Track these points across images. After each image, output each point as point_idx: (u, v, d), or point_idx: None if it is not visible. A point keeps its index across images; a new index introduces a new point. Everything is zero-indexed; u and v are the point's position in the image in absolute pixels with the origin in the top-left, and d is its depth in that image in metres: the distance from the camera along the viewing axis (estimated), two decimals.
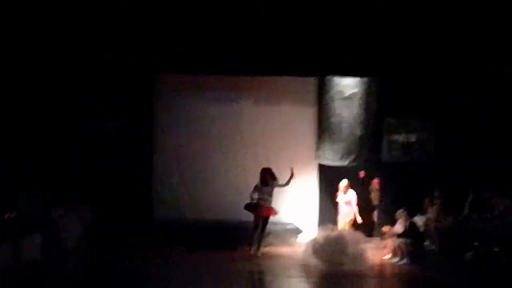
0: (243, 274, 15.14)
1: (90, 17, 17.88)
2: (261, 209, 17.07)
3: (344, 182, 18.99)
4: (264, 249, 17.87)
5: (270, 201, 17.21)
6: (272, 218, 18.75)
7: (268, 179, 17.20)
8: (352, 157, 20.29)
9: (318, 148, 20.44)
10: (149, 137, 20.31)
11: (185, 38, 18.44)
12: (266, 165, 18.60)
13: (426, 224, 17.58)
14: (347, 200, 18.91)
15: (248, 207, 17.26)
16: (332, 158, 20.36)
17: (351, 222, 18.70)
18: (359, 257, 15.75)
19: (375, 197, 19.38)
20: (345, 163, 20.28)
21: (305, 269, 15.80)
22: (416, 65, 19.08)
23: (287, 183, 17.39)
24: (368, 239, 17.86)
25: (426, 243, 17.42)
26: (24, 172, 17.61)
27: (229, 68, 19.42)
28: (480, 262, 14.72)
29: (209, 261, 16.23)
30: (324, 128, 20.43)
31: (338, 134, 20.32)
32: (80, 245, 17.83)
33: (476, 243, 15.48)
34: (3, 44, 17.55)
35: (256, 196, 17.18)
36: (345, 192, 18.97)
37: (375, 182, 19.48)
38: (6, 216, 13.77)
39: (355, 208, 18.86)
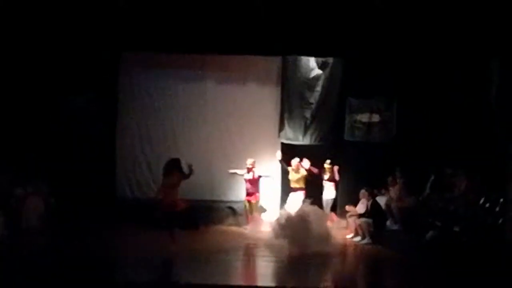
0: (205, 253, 15.14)
1: None
2: (163, 203, 15.30)
3: (249, 161, 18.60)
4: (227, 228, 17.95)
5: (173, 194, 15.26)
6: (236, 197, 18.82)
7: (172, 170, 15.36)
8: (314, 136, 20.42)
9: (280, 127, 20.50)
10: (113, 115, 20.23)
11: (150, 16, 18.34)
12: (230, 145, 18.87)
13: (388, 204, 17.72)
14: (250, 179, 18.49)
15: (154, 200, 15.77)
16: (294, 137, 20.50)
17: (254, 204, 18.40)
18: (323, 235, 15.81)
19: (294, 178, 19.00)
20: (307, 142, 20.41)
21: (269, 248, 15.87)
22: (379, 45, 19.12)
23: (187, 176, 15.37)
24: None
25: (388, 222, 17.58)
26: None
27: (194, 46, 19.36)
28: (441, 242, 14.83)
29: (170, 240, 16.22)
30: (287, 107, 20.50)
31: (301, 113, 20.43)
32: (42, 224, 17.81)
33: (437, 223, 15.61)
34: None
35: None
36: (248, 172, 18.57)
37: (294, 164, 19.07)
38: None
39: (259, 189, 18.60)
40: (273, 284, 13.13)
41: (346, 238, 17.45)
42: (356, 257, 16.14)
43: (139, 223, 17.75)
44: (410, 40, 18.74)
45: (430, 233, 15.23)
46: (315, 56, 20.28)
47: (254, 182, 18.48)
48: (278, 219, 16.80)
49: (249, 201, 18.41)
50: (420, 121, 19.21)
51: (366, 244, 16.86)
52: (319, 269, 14.15)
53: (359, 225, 17.19)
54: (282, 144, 20.46)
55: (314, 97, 20.36)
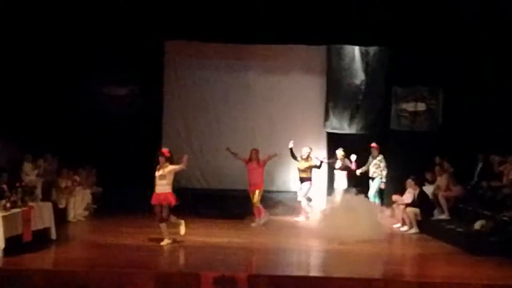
0: (254, 243, 15.19)
1: None
2: (154, 195, 14.49)
3: (255, 150, 17.64)
4: (275, 218, 17.93)
5: (163, 186, 14.41)
6: (282, 187, 18.63)
7: (160, 161, 14.42)
8: (360, 125, 20.34)
9: (326, 116, 20.44)
10: (159, 106, 20.37)
11: (195, 5, 18.35)
12: (274, 135, 18.91)
13: (435, 193, 17.52)
14: (254, 168, 17.46)
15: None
16: (340, 126, 20.47)
17: (258, 194, 17.42)
18: (371, 225, 15.68)
19: (302, 167, 18.41)
20: (352, 131, 20.33)
21: (317, 237, 15.81)
22: (425, 34, 18.97)
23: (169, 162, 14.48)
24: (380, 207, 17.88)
25: (435, 212, 17.39)
26: (31, 142, 17.66)
27: (239, 36, 19.39)
28: (489, 231, 14.65)
29: (219, 229, 16.35)
30: (332, 96, 20.46)
31: (346, 102, 20.39)
32: (89, 215, 17.99)
33: (485, 212, 15.43)
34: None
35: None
36: (249, 161, 17.56)
37: (305, 152, 18.51)
38: (17, 185, 13.77)
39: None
40: (321, 274, 13.04)
41: (393, 228, 17.33)
42: (404, 247, 15.99)
43: (185, 213, 17.89)
44: (456, 28, 18.56)
45: (478, 223, 15.03)
46: (360, 45, 20.18)
47: (256, 171, 17.48)
48: (324, 209, 16.79)
49: (252, 191, 17.52)
50: (467, 109, 18.99)
51: (413, 233, 16.75)
52: (366, 259, 14.02)
53: (406, 214, 17.07)
54: (328, 133, 20.43)
55: (359, 86, 20.28)
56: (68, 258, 13.23)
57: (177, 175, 14.52)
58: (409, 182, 17.49)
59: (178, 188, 19.46)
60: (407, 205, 17.21)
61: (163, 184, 14.39)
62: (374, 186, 19.02)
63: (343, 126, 20.44)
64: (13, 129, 17.44)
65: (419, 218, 16.87)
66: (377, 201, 18.76)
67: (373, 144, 19.21)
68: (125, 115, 19.53)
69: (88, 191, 18.11)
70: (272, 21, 18.73)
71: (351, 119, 20.38)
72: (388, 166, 19.03)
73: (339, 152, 19.00)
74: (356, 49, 20.34)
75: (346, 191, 18.28)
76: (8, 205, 12.95)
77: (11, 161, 17.18)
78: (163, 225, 14.44)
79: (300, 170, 18.49)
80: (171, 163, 14.49)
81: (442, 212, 17.12)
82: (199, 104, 20.58)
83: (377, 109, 20.33)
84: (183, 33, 19.36)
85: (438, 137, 19.46)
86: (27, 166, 17.08)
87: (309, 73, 20.79)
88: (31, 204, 13.73)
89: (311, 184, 18.43)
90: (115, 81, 19.78)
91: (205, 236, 15.49)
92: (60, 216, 16.11)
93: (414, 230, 16.82)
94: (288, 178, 19.65)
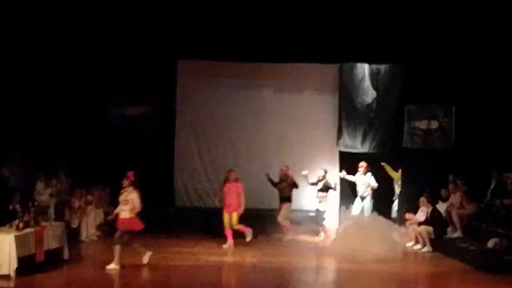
0: (267, 262, 15.10)
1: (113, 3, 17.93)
2: (119, 220, 13.97)
3: (231, 171, 17.30)
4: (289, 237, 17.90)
5: (126, 212, 13.84)
6: (295, 206, 18.55)
7: (124, 184, 14.03)
8: (373, 144, 20.28)
9: (339, 135, 20.42)
10: (172, 125, 20.41)
11: (206, 24, 18.41)
12: (287, 153, 18.86)
13: (448, 211, 17.46)
14: (231, 188, 16.93)
15: None
16: (353, 144, 20.42)
17: (236, 216, 16.81)
18: (385, 243, 15.58)
19: (282, 187, 18.36)
20: (365, 149, 20.29)
21: (331, 256, 15.78)
22: (438, 51, 18.94)
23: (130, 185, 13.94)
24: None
25: (449, 230, 17.32)
26: (44, 162, 17.72)
27: (252, 55, 19.42)
28: (503, 249, 14.58)
29: (233, 248, 16.46)
30: (344, 114, 20.44)
31: (359, 120, 20.36)
32: (101, 233, 18.02)
33: (499, 230, 15.36)
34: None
35: None
36: (225, 182, 17.20)
37: (284, 170, 18.43)
38: (30, 205, 13.80)
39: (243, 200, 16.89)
40: None
41: (406, 246, 17.24)
42: (417, 265, 15.91)
43: (199, 231, 17.97)
44: (468, 45, 18.54)
45: (492, 241, 14.96)
46: (372, 62, 20.17)
47: (232, 192, 16.92)
48: (337, 229, 16.78)
49: (229, 213, 16.91)
50: (480, 127, 18.92)
51: (426, 252, 16.68)
52: (380, 277, 13.96)
53: (419, 233, 17.02)
54: (340, 152, 20.43)
55: (371, 105, 20.26)
56: (80, 278, 13.27)
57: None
58: (423, 200, 17.45)
59: (191, 207, 19.83)
60: (420, 223, 17.16)
61: (125, 209, 13.84)
62: (366, 206, 19.32)
63: (356, 144, 20.39)
64: (26, 148, 17.48)
65: (432, 236, 16.82)
66: None
67: (361, 163, 19.32)
68: (138, 135, 19.55)
69: (101, 211, 18.15)
70: (284, 40, 18.75)
71: (364, 137, 20.33)
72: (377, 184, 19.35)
73: (320, 173, 19.01)
74: (367, 67, 20.31)
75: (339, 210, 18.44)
76: (21, 225, 12.95)
77: (24, 181, 17.19)
78: (117, 248, 13.68)
79: (280, 190, 18.42)
80: (135, 187, 13.98)
81: (456, 230, 17.04)
82: (211, 123, 20.63)
83: (389, 127, 20.27)
84: (195, 52, 19.41)
85: (451, 155, 19.36)
86: (40, 186, 17.13)
87: (322, 91, 20.82)
88: (44, 224, 13.76)
89: (289, 204, 18.30)
90: (128, 101, 19.81)
91: (219, 255, 15.48)
92: (73, 235, 16.17)
93: (427, 248, 16.76)
94: (299, 197, 19.48)
